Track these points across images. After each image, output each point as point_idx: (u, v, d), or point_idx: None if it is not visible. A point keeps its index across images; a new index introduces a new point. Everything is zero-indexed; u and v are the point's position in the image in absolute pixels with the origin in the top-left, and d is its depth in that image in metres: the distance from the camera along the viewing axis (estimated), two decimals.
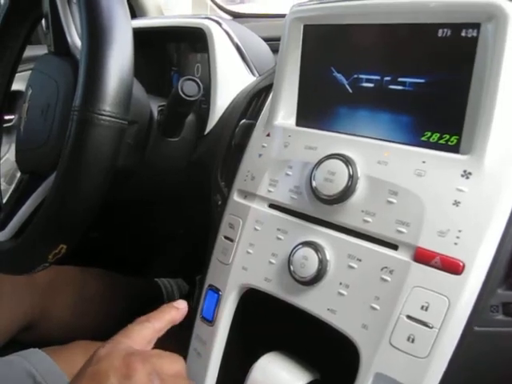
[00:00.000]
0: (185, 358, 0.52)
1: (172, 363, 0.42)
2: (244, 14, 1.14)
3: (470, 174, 0.38)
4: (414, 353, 0.38)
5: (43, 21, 0.62)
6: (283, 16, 0.51)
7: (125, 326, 0.84)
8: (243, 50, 0.69)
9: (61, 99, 0.52)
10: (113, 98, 0.45)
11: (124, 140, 0.48)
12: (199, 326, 0.53)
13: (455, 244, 0.37)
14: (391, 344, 0.39)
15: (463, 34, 0.39)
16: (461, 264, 0.37)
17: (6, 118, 0.98)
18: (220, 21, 0.68)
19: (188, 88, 0.57)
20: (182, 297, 1.00)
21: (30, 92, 0.60)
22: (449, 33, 0.40)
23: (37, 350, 0.57)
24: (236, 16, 1.14)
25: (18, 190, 0.59)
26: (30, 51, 0.68)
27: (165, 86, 0.84)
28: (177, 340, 0.49)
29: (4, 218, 0.58)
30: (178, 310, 0.47)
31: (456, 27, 0.40)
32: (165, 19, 0.81)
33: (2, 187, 0.72)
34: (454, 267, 0.37)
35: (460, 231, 0.37)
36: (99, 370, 0.38)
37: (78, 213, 0.46)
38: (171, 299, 0.97)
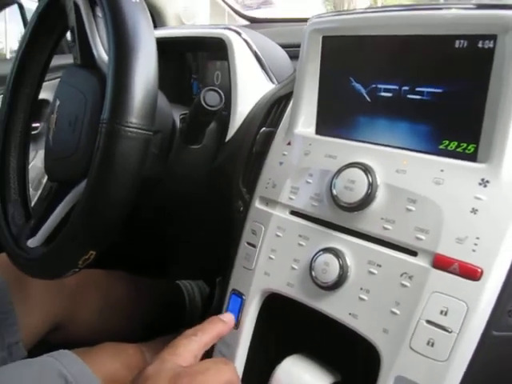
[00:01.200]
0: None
1: (219, 375, 0.42)
2: (262, 19, 1.15)
3: (487, 182, 0.39)
4: (433, 356, 0.39)
5: (68, 33, 0.64)
6: (300, 20, 0.52)
7: (149, 328, 0.86)
8: (262, 58, 0.70)
9: (88, 111, 0.54)
10: (139, 111, 0.47)
11: (149, 149, 0.50)
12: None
13: (473, 251, 0.38)
14: (411, 348, 0.40)
15: (480, 45, 0.40)
16: (479, 270, 0.38)
17: (33, 125, 1.01)
18: (239, 30, 0.70)
19: (210, 98, 0.59)
20: (202, 298, 1.02)
21: (57, 103, 0.62)
22: (466, 44, 0.41)
23: (67, 351, 0.59)
24: (254, 21, 1.15)
25: (48, 198, 0.61)
26: (53, 61, 0.70)
27: (185, 93, 0.86)
28: None
29: (35, 224, 0.60)
30: (224, 323, 0.48)
31: (473, 38, 0.41)
32: (185, 29, 0.83)
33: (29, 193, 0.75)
34: (472, 273, 0.38)
35: (478, 238, 0.38)
36: None
37: (107, 221, 0.48)
38: (193, 301, 0.99)
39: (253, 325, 0.52)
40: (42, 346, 0.73)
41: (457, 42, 0.41)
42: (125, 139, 0.46)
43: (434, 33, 0.43)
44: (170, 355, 0.42)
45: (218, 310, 0.56)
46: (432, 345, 0.39)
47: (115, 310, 0.84)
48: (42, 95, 0.75)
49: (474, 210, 0.39)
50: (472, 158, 0.41)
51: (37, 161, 1.03)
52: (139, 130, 0.47)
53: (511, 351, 0.39)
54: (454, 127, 0.42)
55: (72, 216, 0.50)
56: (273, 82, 0.71)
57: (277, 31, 0.94)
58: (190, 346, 0.44)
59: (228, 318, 0.50)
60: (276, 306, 0.52)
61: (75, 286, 0.78)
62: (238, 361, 0.52)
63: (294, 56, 0.74)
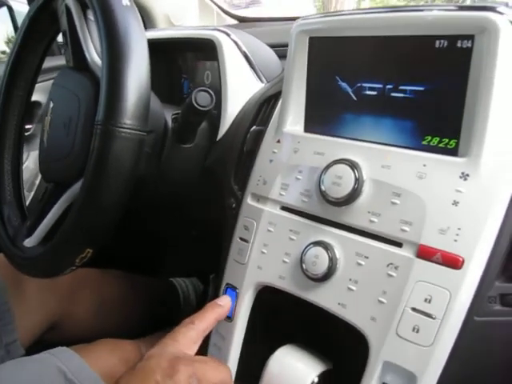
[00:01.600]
0: (205, 352, 0.55)
1: (217, 371, 0.45)
2: (250, 18, 1.16)
3: (467, 175, 0.41)
4: (419, 342, 0.41)
5: (61, 36, 0.65)
6: (288, 19, 0.53)
7: (144, 326, 0.87)
8: (251, 58, 0.72)
9: (82, 113, 0.55)
10: (133, 112, 0.48)
11: (143, 149, 0.51)
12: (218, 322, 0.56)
13: (455, 241, 0.41)
14: (398, 334, 0.42)
15: (459, 44, 0.42)
16: (460, 259, 0.40)
17: (25, 127, 1.01)
18: (228, 31, 0.71)
19: (201, 98, 0.60)
20: (197, 296, 1.04)
21: (51, 105, 0.63)
22: (445, 44, 0.43)
23: (65, 348, 0.60)
24: (242, 20, 1.17)
25: (43, 198, 0.62)
26: (44, 63, 0.71)
27: (176, 93, 0.87)
28: None
29: (31, 224, 0.61)
30: (221, 306, 0.51)
31: (452, 39, 0.43)
32: (175, 31, 0.84)
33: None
34: (454, 262, 0.40)
35: (459, 229, 0.41)
36: (148, 366, 0.43)
37: (104, 219, 0.49)
38: (187, 299, 1.01)
39: (247, 317, 0.54)
40: (38, 345, 0.74)
41: (437, 42, 0.43)
42: (119, 140, 0.47)
43: (416, 33, 0.45)
44: (172, 340, 0.46)
45: None
46: (417, 331, 0.41)
47: (110, 308, 0.85)
48: (34, 97, 0.76)
49: (455, 202, 0.41)
50: (453, 152, 0.43)
51: (30, 162, 1.04)
52: (133, 131, 0.48)
53: (492, 335, 0.41)
54: (436, 123, 0.44)
55: (69, 215, 0.51)
56: (262, 82, 0.72)
57: (265, 31, 0.96)
58: (188, 333, 0.47)
59: (225, 300, 0.52)
60: (269, 299, 0.53)
61: (71, 286, 0.79)
62: (232, 352, 0.54)
63: (282, 55, 0.76)
